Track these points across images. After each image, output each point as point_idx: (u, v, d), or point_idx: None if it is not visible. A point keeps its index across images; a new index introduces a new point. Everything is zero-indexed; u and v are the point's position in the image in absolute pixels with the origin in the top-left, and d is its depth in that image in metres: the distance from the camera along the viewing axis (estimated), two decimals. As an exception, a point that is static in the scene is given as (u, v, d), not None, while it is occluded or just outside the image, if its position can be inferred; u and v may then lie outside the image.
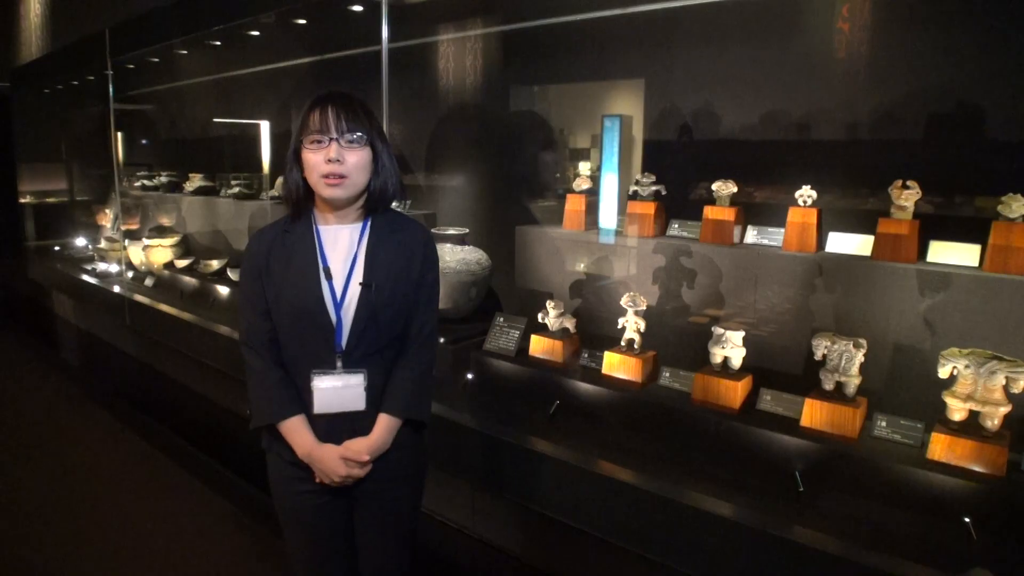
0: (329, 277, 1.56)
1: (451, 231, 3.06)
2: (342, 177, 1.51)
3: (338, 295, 1.56)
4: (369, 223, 1.62)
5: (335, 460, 1.56)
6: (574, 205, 2.98)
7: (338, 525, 1.68)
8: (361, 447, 1.58)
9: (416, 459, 1.73)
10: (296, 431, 1.57)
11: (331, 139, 1.49)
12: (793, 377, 2.29)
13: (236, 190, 4.71)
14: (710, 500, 1.83)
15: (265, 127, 4.68)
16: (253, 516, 3.24)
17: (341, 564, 1.71)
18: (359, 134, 1.52)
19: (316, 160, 1.50)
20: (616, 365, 2.44)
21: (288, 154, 1.58)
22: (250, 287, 1.60)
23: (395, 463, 1.65)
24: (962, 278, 2.00)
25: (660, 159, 2.86)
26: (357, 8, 3.23)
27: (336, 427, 1.59)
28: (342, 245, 1.59)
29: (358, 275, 1.57)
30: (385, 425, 1.62)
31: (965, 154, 2.20)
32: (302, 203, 1.60)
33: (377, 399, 1.62)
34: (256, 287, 1.59)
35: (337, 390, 1.57)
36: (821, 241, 2.37)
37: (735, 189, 2.52)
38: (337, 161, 1.49)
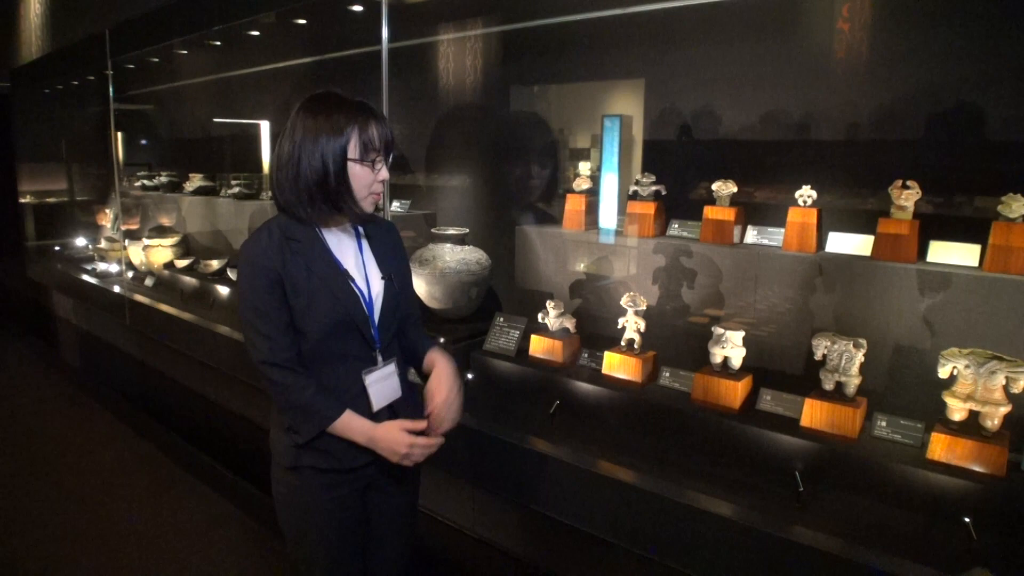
0: (351, 278, 1.60)
1: (451, 231, 3.05)
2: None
3: (365, 293, 1.62)
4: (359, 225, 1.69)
5: (398, 432, 1.58)
6: (574, 205, 2.98)
7: (359, 524, 1.72)
8: (438, 397, 1.65)
9: None
10: (351, 421, 1.58)
11: (383, 158, 1.57)
12: (793, 377, 2.29)
13: (236, 190, 4.71)
14: (710, 500, 1.83)
15: (265, 127, 4.68)
16: (253, 516, 3.24)
17: (358, 565, 1.75)
18: None
19: (371, 178, 1.56)
20: (616, 365, 2.44)
21: (320, 160, 1.49)
22: (266, 302, 1.51)
23: None
24: (962, 278, 2.00)
25: (660, 159, 2.86)
26: (357, 8, 3.23)
27: (381, 419, 1.63)
28: (347, 247, 1.64)
29: (372, 272, 1.66)
30: (446, 363, 1.71)
31: (965, 154, 2.20)
32: (316, 210, 1.55)
33: (404, 382, 1.72)
34: (273, 301, 1.52)
35: (384, 383, 1.65)
36: (821, 241, 2.37)
37: (735, 189, 2.52)
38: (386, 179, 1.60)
